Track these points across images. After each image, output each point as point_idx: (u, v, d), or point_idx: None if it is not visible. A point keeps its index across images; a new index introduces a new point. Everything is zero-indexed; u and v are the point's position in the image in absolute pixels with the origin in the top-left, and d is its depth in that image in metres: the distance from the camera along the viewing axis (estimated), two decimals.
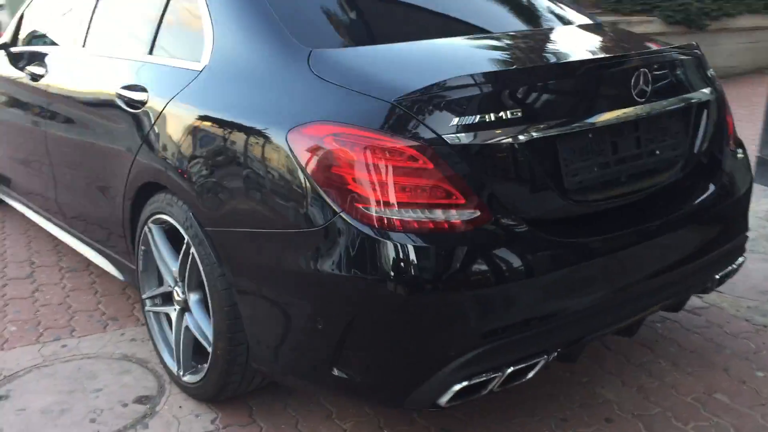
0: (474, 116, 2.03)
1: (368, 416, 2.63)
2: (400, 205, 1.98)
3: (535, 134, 2.10)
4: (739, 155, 2.80)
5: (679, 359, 3.02)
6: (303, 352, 2.24)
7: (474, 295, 2.03)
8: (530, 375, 2.20)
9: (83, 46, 3.39)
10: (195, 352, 2.71)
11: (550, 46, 2.63)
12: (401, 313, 2.02)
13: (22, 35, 4.15)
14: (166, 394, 2.83)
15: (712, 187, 2.59)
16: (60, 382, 2.93)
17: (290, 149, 2.11)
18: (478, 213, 2.04)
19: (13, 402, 2.80)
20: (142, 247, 2.87)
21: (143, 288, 2.94)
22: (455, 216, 2.02)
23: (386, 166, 1.98)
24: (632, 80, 2.26)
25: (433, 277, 1.99)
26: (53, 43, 3.82)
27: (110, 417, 2.70)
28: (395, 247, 1.98)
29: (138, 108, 2.75)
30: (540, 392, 2.79)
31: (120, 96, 2.84)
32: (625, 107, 2.28)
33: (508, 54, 2.47)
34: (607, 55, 2.45)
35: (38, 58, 3.73)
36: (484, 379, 2.10)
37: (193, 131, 2.46)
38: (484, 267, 2.04)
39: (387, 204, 1.98)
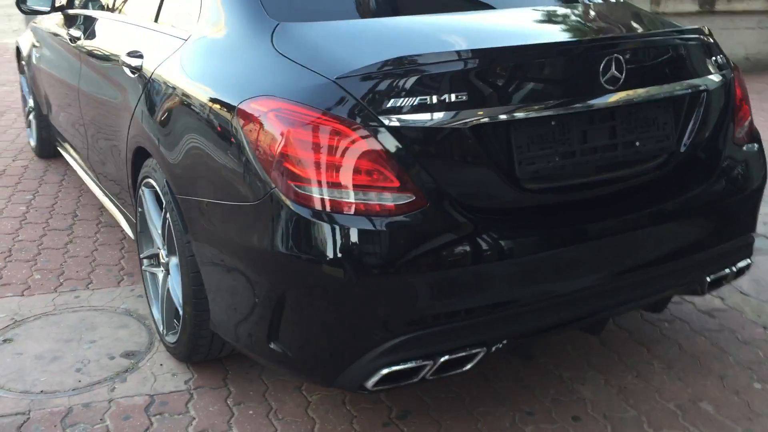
0: (414, 98, 1.98)
1: (335, 392, 2.65)
2: (332, 185, 1.96)
3: (480, 119, 2.02)
4: (751, 148, 2.59)
5: (674, 362, 2.86)
6: (247, 324, 2.27)
7: (400, 281, 1.99)
8: (468, 367, 2.15)
9: (113, 11, 3.52)
10: (177, 314, 2.80)
11: (519, 26, 2.50)
12: (327, 293, 2.01)
13: None
14: (153, 351, 2.95)
15: (704, 183, 2.42)
16: (62, 330, 3.10)
17: (238, 122, 2.12)
18: (413, 198, 1.99)
19: (15, 345, 2.99)
20: (139, 209, 2.97)
21: (141, 247, 3.06)
22: (388, 199, 1.98)
23: (320, 145, 1.96)
24: (601, 66, 2.13)
25: (359, 259, 1.97)
26: (100, 8, 3.98)
27: (95, 368, 2.84)
28: (322, 227, 1.97)
29: (134, 73, 2.83)
30: (516, 383, 2.72)
31: (123, 61, 2.93)
32: (592, 94, 2.16)
33: (475, 33, 2.36)
34: (572, 39, 2.31)
35: (86, 22, 3.89)
36: (414, 365, 2.07)
37: (168, 99, 2.52)
38: (412, 253, 1.99)
39: (318, 183, 1.97)
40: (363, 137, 1.95)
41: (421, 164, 1.99)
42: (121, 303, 3.33)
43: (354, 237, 1.97)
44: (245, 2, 2.40)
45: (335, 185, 1.96)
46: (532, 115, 2.09)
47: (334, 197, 1.96)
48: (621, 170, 2.31)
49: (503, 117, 2.05)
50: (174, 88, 2.48)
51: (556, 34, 2.40)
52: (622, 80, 2.17)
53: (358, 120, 1.96)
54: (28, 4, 4.26)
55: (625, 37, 2.35)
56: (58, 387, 2.73)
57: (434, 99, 1.98)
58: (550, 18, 2.54)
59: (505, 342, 2.18)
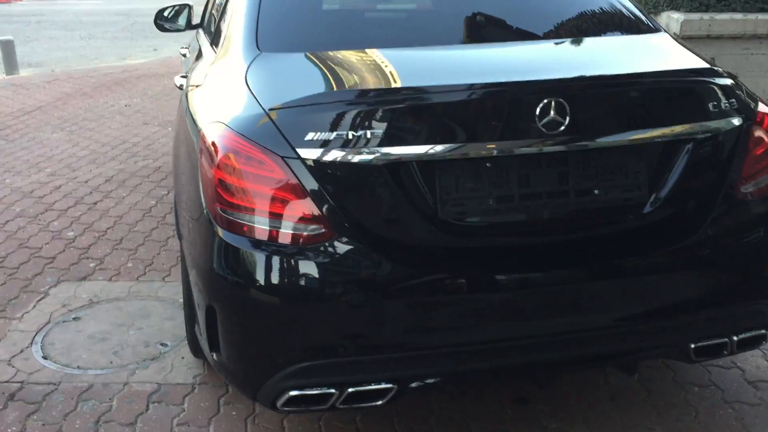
0: (333, 133, 2.03)
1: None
2: (248, 210, 2.08)
3: (398, 158, 2.03)
4: (759, 201, 2.31)
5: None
6: (200, 333, 2.45)
7: (301, 310, 2.06)
8: (381, 401, 2.16)
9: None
10: None
11: (473, 63, 2.40)
12: (239, 314, 2.13)
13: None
14: (183, 344, 3.23)
15: (683, 240, 2.20)
16: (121, 315, 3.49)
17: (200, 143, 2.31)
18: (323, 230, 2.05)
19: (79, 324, 3.43)
20: None
21: None
22: (299, 229, 2.06)
23: (243, 171, 2.09)
24: (537, 110, 2.03)
25: (264, 285, 2.07)
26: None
27: (129, 353, 3.18)
28: (236, 250, 2.10)
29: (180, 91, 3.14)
30: (497, 426, 2.65)
31: (175, 83, 3.25)
32: (529, 138, 2.06)
33: (425, 69, 2.33)
34: (506, 80, 2.19)
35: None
36: (320, 392, 2.12)
37: (179, 116, 2.77)
38: (315, 284, 2.05)
39: (237, 208, 2.09)
40: (281, 167, 2.04)
41: (335, 198, 2.04)
42: (181, 296, 3.66)
43: (261, 262, 2.07)
44: (245, 33, 2.57)
45: (251, 211, 2.07)
46: (459, 156, 2.05)
47: (250, 223, 2.07)
48: (576, 219, 2.17)
49: (424, 157, 2.03)
50: (186, 105, 2.73)
51: (497, 74, 2.28)
52: (566, 125, 2.05)
53: (279, 151, 2.05)
54: (165, 23, 4.75)
55: (572, 79, 2.19)
56: (92, 365, 3.10)
57: (352, 135, 2.02)
58: (504, 56, 2.42)
59: (422, 382, 2.15)
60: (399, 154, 2.02)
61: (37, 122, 7.42)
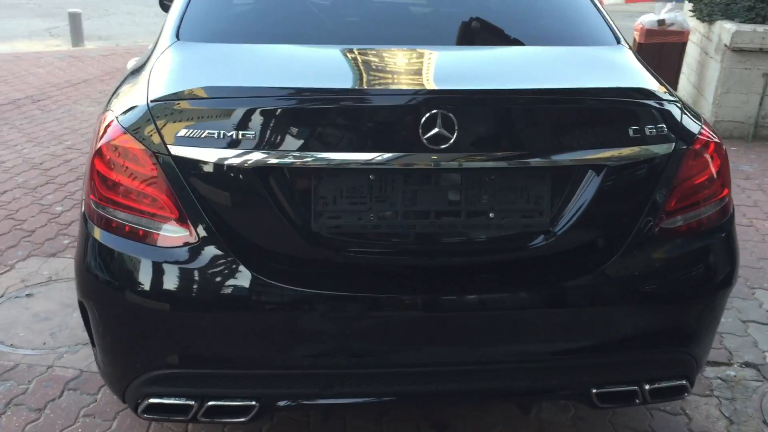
0: (204, 131, 1.91)
1: None
2: (116, 204, 1.99)
3: (269, 163, 1.89)
4: (692, 244, 2.07)
5: None
6: None
7: (155, 315, 1.96)
8: (244, 419, 2.04)
9: None
10: None
11: (368, 66, 2.21)
12: (100, 312, 2.05)
13: None
14: None
15: (583, 276, 1.99)
16: (72, 296, 3.39)
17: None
18: (186, 232, 1.95)
19: (30, 301, 3.44)
20: None
21: None
22: (163, 229, 1.96)
23: (116, 164, 1.99)
24: (421, 122, 1.86)
25: (119, 285, 1.97)
26: None
27: (65, 335, 3.16)
28: (100, 246, 2.01)
29: None
30: None
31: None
32: (416, 153, 1.90)
33: (316, 69, 2.17)
34: (389, 87, 2.01)
35: None
36: (179, 403, 2.02)
37: None
38: (170, 289, 1.94)
39: (105, 200, 2.00)
40: (152, 164, 1.94)
41: (203, 200, 1.93)
42: None
43: (121, 261, 1.98)
44: (171, 20, 2.48)
45: (117, 204, 1.98)
46: (338, 166, 1.90)
47: (115, 218, 1.98)
48: (466, 243, 1.99)
49: (298, 164, 1.89)
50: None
51: (388, 80, 2.09)
52: (453, 140, 1.87)
53: (151, 146, 1.94)
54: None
55: (464, 91, 1.98)
56: (25, 344, 3.09)
57: (224, 135, 1.90)
58: (408, 60, 2.22)
59: (287, 403, 2.03)
60: (270, 159, 1.89)
61: (78, 95, 7.57)
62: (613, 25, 2.55)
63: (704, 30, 6.70)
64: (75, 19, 11.21)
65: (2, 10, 14.94)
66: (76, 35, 11.22)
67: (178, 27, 2.43)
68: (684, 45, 6.84)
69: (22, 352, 3.02)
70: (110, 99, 2.26)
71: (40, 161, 5.36)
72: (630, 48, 2.48)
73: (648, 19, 6.72)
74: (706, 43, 6.64)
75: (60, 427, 2.60)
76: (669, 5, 7.01)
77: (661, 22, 6.61)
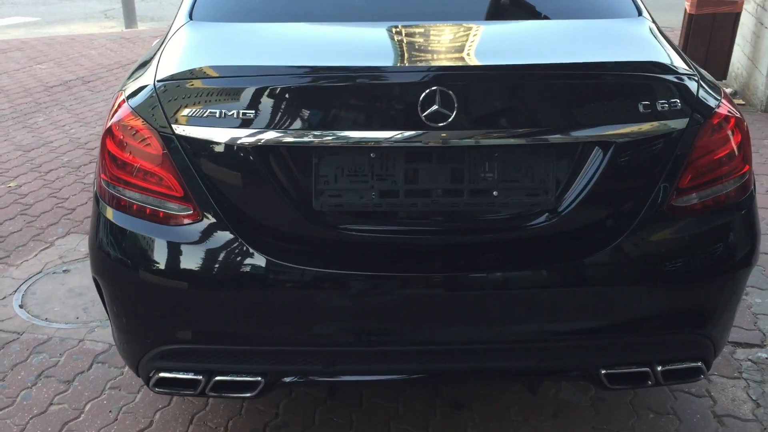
0: (207, 110, 1.93)
1: None
2: (125, 183, 2.02)
3: (269, 141, 1.90)
4: (705, 223, 2.01)
5: None
6: None
7: (164, 290, 1.99)
8: (250, 394, 2.07)
9: None
10: None
11: (370, 44, 2.17)
12: (110, 287, 2.09)
13: None
14: None
15: (589, 255, 1.95)
16: None
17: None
18: (191, 210, 1.97)
19: (66, 276, 3.55)
20: None
21: None
22: (168, 208, 1.99)
23: (124, 144, 2.03)
24: (420, 99, 1.84)
25: (129, 261, 2.01)
26: None
27: (98, 310, 3.24)
28: (110, 224, 2.05)
29: None
30: (418, 429, 2.51)
31: None
32: (416, 130, 1.87)
33: (320, 47, 2.16)
34: (390, 65, 1.97)
35: None
36: (187, 377, 2.06)
37: None
38: (179, 265, 1.98)
39: (116, 179, 2.04)
40: (158, 142, 1.97)
41: (206, 179, 1.95)
42: None
43: (130, 239, 2.01)
44: (185, 4, 2.50)
45: (125, 184, 2.01)
46: (340, 144, 1.89)
47: (124, 196, 2.02)
48: (470, 222, 1.97)
49: (299, 142, 1.89)
50: None
51: (388, 56, 2.06)
52: (452, 118, 1.84)
53: (157, 125, 1.97)
54: None
55: (463, 67, 1.94)
56: (59, 318, 3.19)
57: (225, 114, 1.91)
58: (413, 36, 2.17)
59: (295, 378, 2.05)
60: (271, 138, 1.89)
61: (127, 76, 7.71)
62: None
63: None
64: (128, 2, 11.40)
65: None
66: (129, 17, 11.42)
67: (192, 7, 2.44)
68: (738, 15, 6.59)
69: (56, 326, 3.12)
70: (126, 79, 2.29)
71: (86, 141, 5.50)
72: (652, 20, 2.40)
73: None
74: (762, 13, 6.38)
75: (87, 399, 2.68)
76: None
77: None
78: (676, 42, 7.58)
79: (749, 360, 2.84)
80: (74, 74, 7.67)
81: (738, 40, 6.85)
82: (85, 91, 7.00)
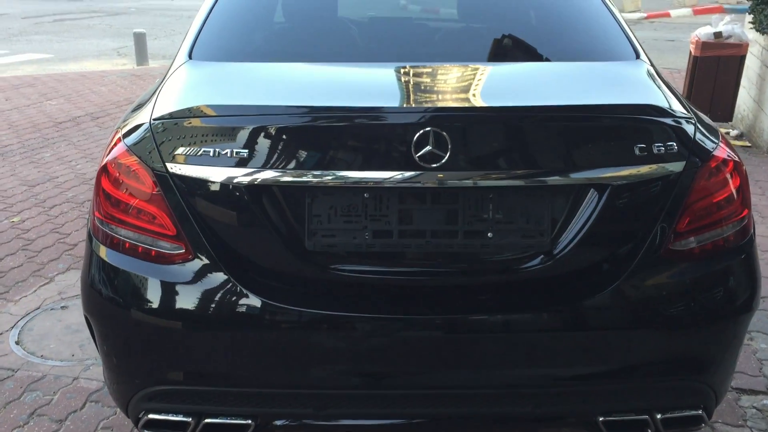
0: (200, 149, 1.93)
1: None
2: (118, 221, 2.01)
3: (261, 180, 1.89)
4: (702, 268, 1.98)
5: None
6: None
7: (153, 331, 1.97)
8: None
9: None
10: None
11: (367, 84, 2.18)
12: (99, 326, 2.08)
13: None
14: None
15: (584, 299, 1.92)
16: None
17: None
18: (182, 249, 1.96)
19: (63, 313, 3.53)
20: None
21: None
22: (160, 246, 1.98)
23: (119, 182, 2.02)
24: (413, 140, 1.83)
25: (120, 301, 2.00)
26: None
27: (93, 348, 3.17)
28: (102, 262, 2.04)
29: None
30: None
31: None
32: (410, 171, 1.86)
33: (315, 87, 2.16)
34: (381, 105, 1.96)
35: None
36: (176, 419, 2.03)
37: None
38: (167, 306, 1.96)
39: (109, 218, 2.03)
40: (152, 181, 1.97)
41: (199, 216, 1.94)
42: None
43: (121, 278, 2.00)
44: (186, 41, 2.52)
45: (119, 222, 2.00)
46: (333, 183, 1.88)
47: (117, 235, 2.01)
48: (464, 264, 1.95)
49: (292, 182, 1.88)
50: None
51: (383, 97, 2.05)
52: (446, 159, 1.83)
53: (151, 164, 1.97)
54: None
55: (457, 109, 1.94)
56: (54, 356, 3.16)
57: (218, 153, 1.91)
58: (409, 77, 2.17)
59: (287, 421, 2.01)
60: (264, 177, 1.88)
61: None
62: (634, 39, 2.47)
63: (765, 42, 6.46)
64: (140, 39, 11.55)
65: (76, 31, 15.53)
66: (141, 54, 11.55)
67: (192, 47, 2.46)
68: (743, 58, 6.61)
69: (51, 363, 3.10)
70: (124, 117, 2.30)
71: (91, 176, 5.51)
72: (650, 63, 2.39)
73: (704, 32, 6.52)
74: (767, 56, 6.40)
75: None
76: (727, 17, 6.79)
77: (717, 35, 6.41)
78: (681, 84, 7.60)
79: (754, 407, 2.78)
80: (83, 110, 7.74)
81: (743, 82, 6.86)
82: (93, 127, 7.06)
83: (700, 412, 2.03)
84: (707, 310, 1.97)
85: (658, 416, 2.00)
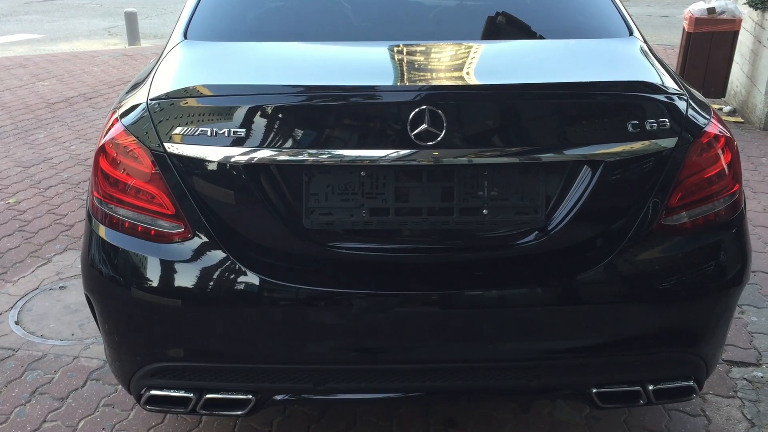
0: (197, 128, 1.94)
1: None
2: (117, 201, 2.03)
3: (259, 159, 1.91)
4: (694, 243, 2.02)
5: None
6: None
7: (154, 308, 2.00)
8: (240, 412, 2.07)
9: None
10: None
11: (362, 63, 2.19)
12: (101, 305, 2.10)
13: None
14: None
15: (578, 273, 1.95)
16: None
17: None
18: (181, 228, 1.98)
19: (62, 293, 3.55)
20: None
21: None
22: (160, 225, 2.00)
23: (117, 162, 2.04)
24: (409, 119, 1.85)
25: (120, 279, 2.02)
26: None
27: (93, 327, 3.23)
28: (102, 241, 2.06)
29: None
30: None
31: None
32: (405, 149, 1.89)
33: (326, 66, 2.18)
34: (376, 84, 1.98)
35: None
36: (177, 395, 2.07)
37: None
38: (167, 284, 1.98)
39: (108, 197, 2.05)
40: (150, 161, 1.98)
41: (197, 196, 1.96)
42: None
43: (122, 256, 2.02)
44: (181, 20, 2.53)
45: (118, 201, 2.02)
46: (330, 162, 1.90)
47: (116, 214, 2.03)
48: (460, 240, 1.98)
49: (289, 161, 1.90)
50: None
51: (378, 76, 2.07)
52: (441, 137, 1.85)
53: (149, 144, 1.98)
54: None
55: (452, 87, 1.96)
56: (54, 335, 3.19)
57: (216, 132, 1.92)
58: (404, 55, 2.19)
59: (287, 396, 2.05)
60: (261, 156, 1.90)
61: None
62: (627, 16, 2.48)
63: (758, 18, 6.47)
64: (131, 19, 11.48)
65: (66, 11, 15.42)
66: (132, 34, 11.49)
67: (187, 26, 2.47)
68: (736, 34, 6.62)
69: (51, 342, 3.13)
70: (120, 97, 2.31)
71: (86, 157, 5.52)
72: (644, 40, 2.41)
73: (697, 8, 6.52)
74: (760, 32, 6.41)
75: (80, 416, 2.68)
76: None
77: (711, 11, 6.41)
78: (675, 60, 7.61)
79: (744, 379, 2.83)
80: (76, 91, 7.71)
81: (736, 58, 6.88)
82: (86, 108, 7.04)
83: (691, 383, 2.07)
84: (698, 283, 2.01)
85: (650, 387, 2.04)
